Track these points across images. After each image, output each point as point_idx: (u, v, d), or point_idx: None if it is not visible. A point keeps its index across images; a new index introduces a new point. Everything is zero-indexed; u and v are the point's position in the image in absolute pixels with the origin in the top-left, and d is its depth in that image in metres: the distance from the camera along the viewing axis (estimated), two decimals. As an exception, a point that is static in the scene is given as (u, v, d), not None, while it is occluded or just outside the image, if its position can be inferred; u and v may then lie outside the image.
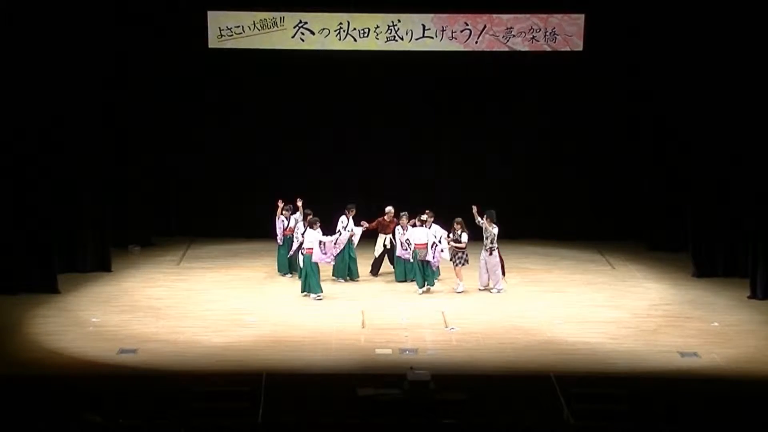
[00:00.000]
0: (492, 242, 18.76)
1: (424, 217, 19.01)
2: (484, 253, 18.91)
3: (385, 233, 19.75)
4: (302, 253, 18.57)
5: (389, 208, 19.69)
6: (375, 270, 19.96)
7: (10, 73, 18.15)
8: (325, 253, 18.49)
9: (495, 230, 18.76)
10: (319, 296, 18.29)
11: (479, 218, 18.95)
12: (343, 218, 19.46)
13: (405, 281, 19.35)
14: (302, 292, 18.46)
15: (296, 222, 19.47)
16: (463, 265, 18.79)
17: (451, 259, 18.81)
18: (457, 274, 18.83)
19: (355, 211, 19.55)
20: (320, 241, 18.37)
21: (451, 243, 18.77)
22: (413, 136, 22.57)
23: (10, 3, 18.09)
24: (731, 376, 14.92)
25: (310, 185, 21.86)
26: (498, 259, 18.82)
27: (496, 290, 18.84)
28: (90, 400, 13.31)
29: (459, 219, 18.71)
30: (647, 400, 13.79)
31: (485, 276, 18.96)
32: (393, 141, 22.48)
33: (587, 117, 22.30)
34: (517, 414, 13.43)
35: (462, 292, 18.66)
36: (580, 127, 22.39)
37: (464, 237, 18.64)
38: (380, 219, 19.79)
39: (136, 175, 21.79)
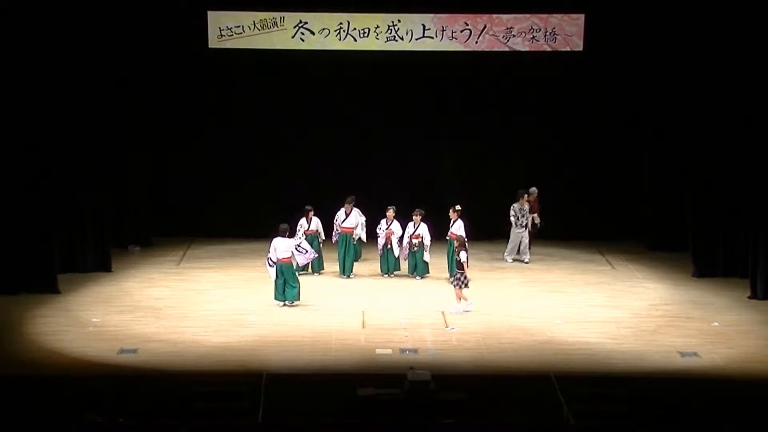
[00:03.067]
0: (525, 218, 20.77)
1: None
2: (520, 230, 20.84)
3: (530, 213, 20.90)
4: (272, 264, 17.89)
5: (533, 189, 20.93)
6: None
7: (9, 73, 18.13)
8: (306, 251, 18.41)
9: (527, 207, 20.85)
10: (293, 303, 17.91)
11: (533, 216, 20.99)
12: (340, 213, 20.01)
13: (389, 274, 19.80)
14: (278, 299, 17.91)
15: (300, 228, 19.55)
16: (463, 287, 17.72)
17: (451, 282, 18.17)
18: (457, 297, 17.70)
19: (353, 204, 20.02)
20: (297, 246, 18.19)
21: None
22: (413, 136, 22.54)
23: (10, 3, 18.08)
24: (731, 376, 14.93)
25: (310, 185, 21.87)
26: (523, 234, 20.87)
27: (510, 260, 21.04)
28: (90, 400, 13.33)
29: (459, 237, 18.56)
30: (647, 400, 13.81)
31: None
32: (393, 141, 22.46)
33: (587, 117, 22.27)
34: (517, 414, 13.44)
35: (468, 311, 17.66)
36: (579, 127, 22.36)
37: (462, 256, 17.67)
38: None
39: (136, 175, 21.78)
